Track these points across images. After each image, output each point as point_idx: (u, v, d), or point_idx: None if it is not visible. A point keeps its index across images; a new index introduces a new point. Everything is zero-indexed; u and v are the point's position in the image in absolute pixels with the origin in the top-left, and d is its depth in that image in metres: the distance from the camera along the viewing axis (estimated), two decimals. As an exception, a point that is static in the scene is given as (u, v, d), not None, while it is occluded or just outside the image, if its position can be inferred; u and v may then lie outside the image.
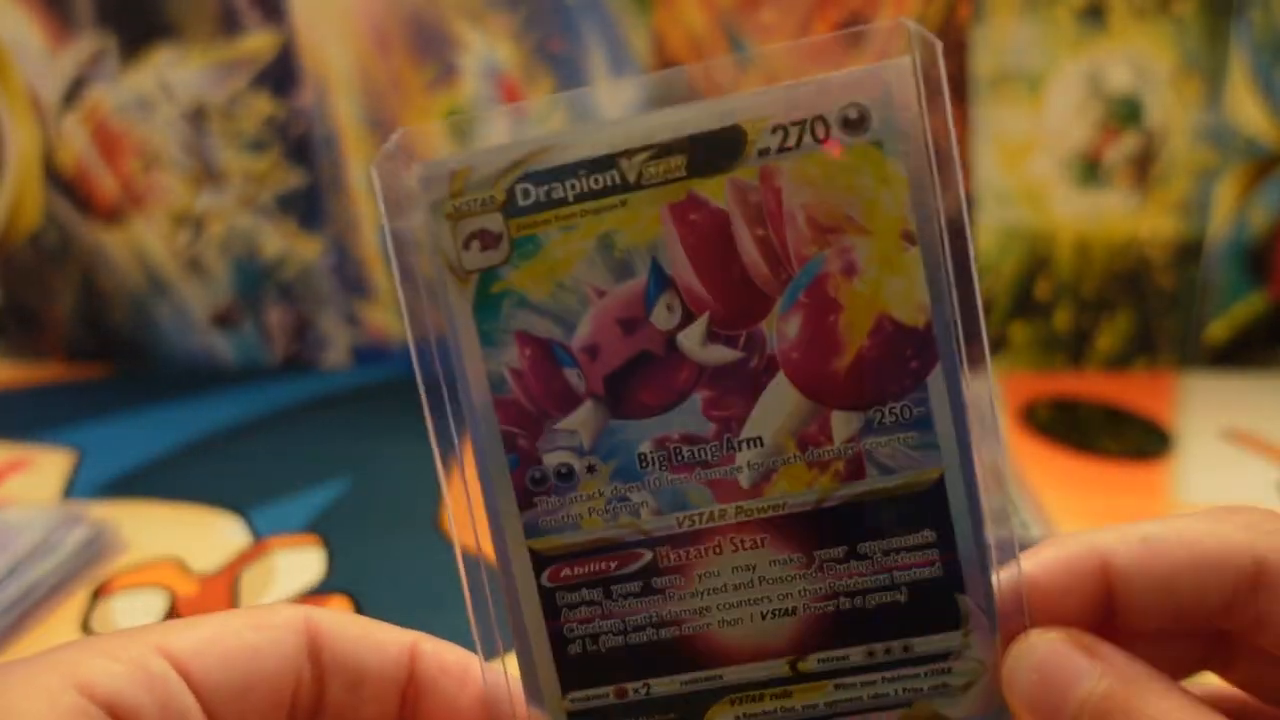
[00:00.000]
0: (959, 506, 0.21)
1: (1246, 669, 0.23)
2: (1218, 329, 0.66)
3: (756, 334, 0.21)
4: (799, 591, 0.22)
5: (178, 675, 0.20)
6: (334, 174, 0.69)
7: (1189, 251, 0.64)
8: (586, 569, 0.22)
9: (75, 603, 0.48)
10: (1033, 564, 0.22)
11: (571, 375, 0.22)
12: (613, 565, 0.22)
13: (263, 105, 0.68)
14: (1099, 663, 0.20)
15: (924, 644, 0.22)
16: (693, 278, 0.21)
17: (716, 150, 0.21)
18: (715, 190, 0.21)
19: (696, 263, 0.21)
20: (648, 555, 0.22)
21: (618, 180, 0.21)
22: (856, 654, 0.22)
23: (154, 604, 0.47)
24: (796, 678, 0.22)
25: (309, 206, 0.70)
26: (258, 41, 0.67)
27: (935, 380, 0.21)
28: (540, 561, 0.22)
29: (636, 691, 0.22)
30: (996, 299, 0.66)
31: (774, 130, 0.20)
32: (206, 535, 0.53)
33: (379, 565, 0.50)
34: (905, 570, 0.21)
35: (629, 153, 0.21)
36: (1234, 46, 0.60)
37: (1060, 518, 0.51)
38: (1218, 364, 0.66)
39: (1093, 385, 0.66)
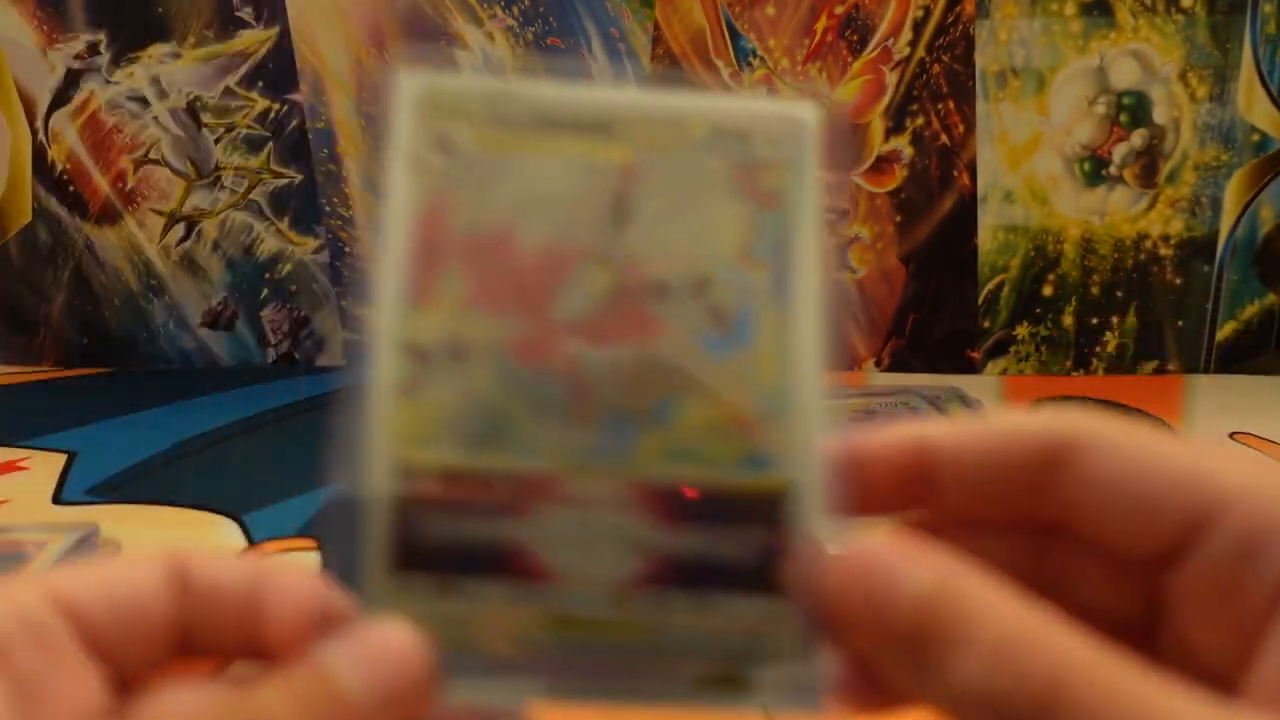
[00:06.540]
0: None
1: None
2: (1226, 330, 0.66)
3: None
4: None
5: (50, 601, 0.22)
6: (329, 171, 0.69)
7: (1197, 250, 0.64)
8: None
9: (66, 609, 0.47)
10: (859, 441, 0.23)
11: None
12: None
13: (257, 102, 0.68)
14: (924, 560, 0.20)
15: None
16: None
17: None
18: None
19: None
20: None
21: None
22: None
23: (146, 610, 0.47)
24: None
25: (304, 204, 0.70)
26: (252, 38, 0.66)
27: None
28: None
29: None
30: (1002, 298, 0.66)
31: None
32: (201, 539, 0.53)
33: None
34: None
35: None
36: (1243, 42, 0.59)
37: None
38: (1225, 365, 0.66)
39: (1099, 386, 0.65)
